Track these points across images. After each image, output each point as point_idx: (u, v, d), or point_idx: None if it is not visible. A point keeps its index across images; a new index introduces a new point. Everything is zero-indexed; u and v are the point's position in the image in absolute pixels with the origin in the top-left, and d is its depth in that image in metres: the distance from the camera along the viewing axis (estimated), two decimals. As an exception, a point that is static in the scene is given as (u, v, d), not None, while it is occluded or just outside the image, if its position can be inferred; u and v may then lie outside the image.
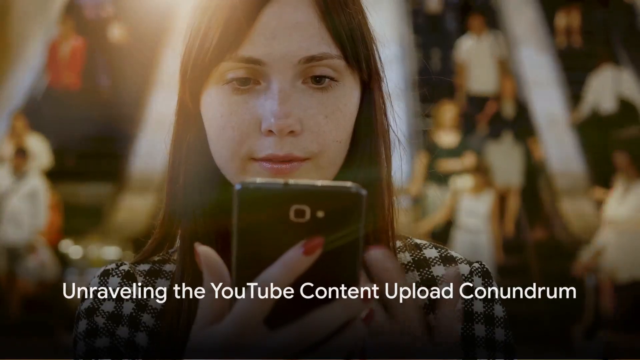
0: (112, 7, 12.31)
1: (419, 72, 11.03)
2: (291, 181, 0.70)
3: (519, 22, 12.62)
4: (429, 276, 1.05)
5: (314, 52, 0.94)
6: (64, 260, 9.04)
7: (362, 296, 0.72)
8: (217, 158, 0.99)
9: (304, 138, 0.95)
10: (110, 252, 8.88)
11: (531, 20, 12.70)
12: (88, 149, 11.31)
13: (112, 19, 12.30)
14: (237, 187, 0.70)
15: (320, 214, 0.70)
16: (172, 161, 1.03)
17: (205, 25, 0.97)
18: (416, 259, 1.06)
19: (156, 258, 1.08)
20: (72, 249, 9.07)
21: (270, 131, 0.94)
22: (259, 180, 0.71)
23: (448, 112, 9.30)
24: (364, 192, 0.71)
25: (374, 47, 1.01)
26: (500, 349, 1.02)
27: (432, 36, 12.75)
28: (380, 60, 1.02)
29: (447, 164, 9.01)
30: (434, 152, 9.16)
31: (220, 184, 1.00)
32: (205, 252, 0.74)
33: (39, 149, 9.99)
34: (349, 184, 0.71)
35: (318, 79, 0.96)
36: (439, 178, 9.06)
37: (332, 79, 0.96)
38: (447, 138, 9.31)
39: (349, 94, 0.98)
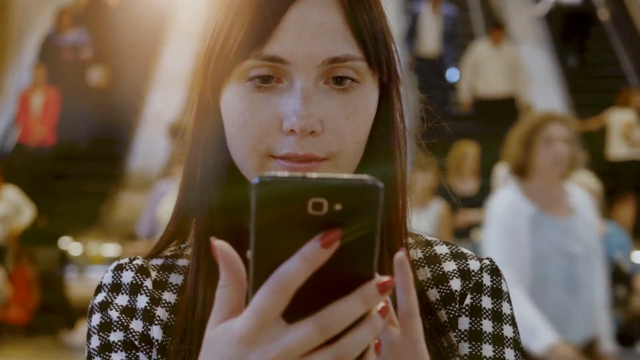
0: (92, 49, 11.35)
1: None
2: (309, 174, 0.71)
3: (517, 19, 12.63)
4: (440, 272, 1.06)
5: (338, 53, 0.95)
6: (64, 257, 9.03)
7: (378, 288, 0.72)
8: (236, 154, 0.99)
9: (324, 138, 0.95)
10: (110, 249, 8.88)
11: (530, 18, 12.71)
12: (87, 147, 11.26)
13: (92, 62, 11.32)
14: (255, 180, 0.70)
15: (337, 206, 0.70)
16: (189, 156, 1.04)
17: (229, 22, 0.97)
18: (427, 255, 1.07)
19: (169, 253, 1.08)
20: (72, 246, 9.07)
21: (292, 130, 0.94)
22: (277, 173, 0.71)
23: (466, 155, 7.75)
24: (381, 184, 0.71)
25: (394, 50, 1.02)
26: (508, 345, 1.03)
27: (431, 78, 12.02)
28: (400, 63, 1.03)
29: (467, 216, 7.52)
30: (451, 202, 7.43)
31: (237, 180, 1.00)
32: (221, 246, 0.74)
33: (19, 202, 8.71)
34: (365, 176, 0.71)
35: (340, 80, 0.96)
36: (458, 232, 7.51)
37: (353, 80, 0.97)
38: (466, 185, 7.78)
39: (369, 95, 0.98)
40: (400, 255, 0.78)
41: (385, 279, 0.73)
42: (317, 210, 0.70)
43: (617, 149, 10.25)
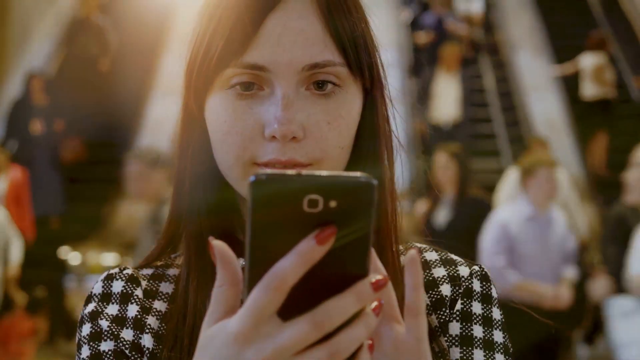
0: (65, 121, 9.99)
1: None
2: (304, 172, 0.71)
3: (516, 26, 12.65)
4: (430, 278, 1.06)
5: (318, 59, 0.95)
6: (63, 267, 9.00)
7: (372, 286, 0.73)
8: (221, 163, 1.00)
9: (306, 144, 0.96)
10: (109, 258, 8.87)
11: (528, 24, 12.73)
12: (87, 154, 11.20)
13: (66, 134, 10.09)
14: (251, 178, 0.70)
15: (332, 204, 0.70)
16: (178, 166, 1.04)
17: (210, 31, 0.97)
18: None
19: (159, 263, 1.09)
20: (71, 255, 9.06)
21: (274, 137, 0.94)
22: (273, 171, 0.71)
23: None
24: (375, 181, 0.71)
25: (377, 54, 1.02)
26: (498, 350, 1.03)
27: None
28: (383, 67, 1.03)
29: None
30: None
31: (225, 188, 1.01)
32: (219, 246, 0.74)
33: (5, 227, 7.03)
34: (359, 174, 0.72)
35: (321, 86, 0.96)
36: None
37: (335, 85, 0.97)
38: None
39: (351, 100, 0.99)
40: (412, 253, 0.79)
41: (379, 276, 0.73)
42: (312, 207, 0.70)
43: (589, 90, 10.95)
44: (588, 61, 11.05)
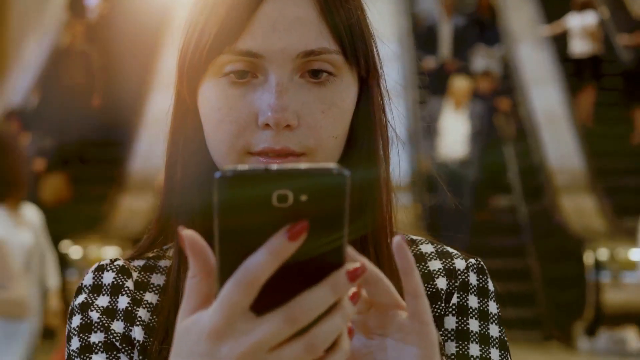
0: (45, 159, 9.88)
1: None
2: (272, 166, 0.69)
3: (517, 18, 12.63)
4: (426, 271, 1.05)
5: (313, 46, 0.95)
6: (64, 261, 9.00)
7: (348, 276, 0.71)
8: (214, 152, 0.99)
9: (300, 132, 0.95)
10: (110, 252, 8.88)
11: (529, 17, 12.71)
12: (87, 149, 11.16)
13: (47, 170, 9.92)
14: (217, 174, 0.69)
15: (303, 197, 0.69)
16: (169, 156, 1.03)
17: (204, 18, 0.97)
18: (412, 254, 1.06)
19: (150, 254, 1.08)
20: (72, 250, 9.06)
21: (267, 125, 0.94)
22: (239, 167, 0.70)
23: None
24: (347, 172, 0.70)
25: (373, 43, 1.01)
26: (494, 344, 1.02)
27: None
28: (379, 57, 1.02)
29: None
30: None
31: None
32: (190, 236, 0.73)
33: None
34: (331, 165, 0.70)
35: (316, 74, 0.96)
36: None
37: (330, 73, 0.96)
38: None
39: (346, 89, 0.98)
40: (397, 239, 0.79)
41: (356, 265, 0.72)
42: (282, 202, 0.69)
43: (579, 47, 11.73)
44: (576, 20, 11.63)
